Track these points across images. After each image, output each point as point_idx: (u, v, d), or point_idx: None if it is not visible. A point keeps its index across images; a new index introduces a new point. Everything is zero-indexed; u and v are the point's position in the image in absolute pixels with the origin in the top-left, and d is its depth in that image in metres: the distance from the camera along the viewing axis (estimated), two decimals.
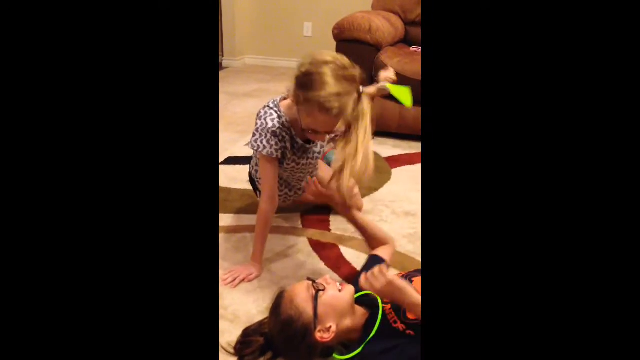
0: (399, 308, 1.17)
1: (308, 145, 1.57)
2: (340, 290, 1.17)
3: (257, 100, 3.27)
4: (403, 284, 1.10)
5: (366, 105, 1.33)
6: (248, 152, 1.52)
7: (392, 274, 1.16)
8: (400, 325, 1.14)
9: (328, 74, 1.25)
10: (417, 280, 1.23)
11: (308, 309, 1.13)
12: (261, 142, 1.46)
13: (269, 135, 1.45)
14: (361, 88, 1.31)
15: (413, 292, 1.09)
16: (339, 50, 2.64)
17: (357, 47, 2.59)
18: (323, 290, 1.15)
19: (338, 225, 1.80)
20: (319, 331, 1.12)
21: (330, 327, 1.13)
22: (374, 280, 1.11)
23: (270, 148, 1.46)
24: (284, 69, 4.16)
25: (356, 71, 1.29)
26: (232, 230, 1.76)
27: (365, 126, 1.33)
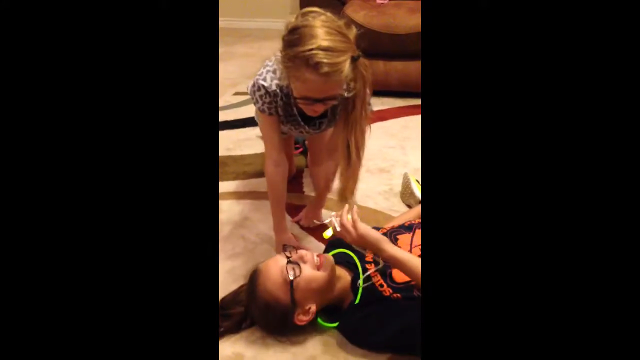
0: (384, 271, 1.12)
1: (303, 122, 1.35)
2: (318, 267, 1.10)
3: (226, 63, 3.13)
4: (375, 236, 1.06)
5: (366, 71, 1.16)
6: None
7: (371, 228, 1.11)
8: (386, 289, 1.09)
9: (317, 25, 1.06)
10: (402, 238, 1.19)
11: (284, 295, 1.06)
12: (255, 94, 1.29)
13: (262, 90, 1.27)
14: (358, 52, 1.11)
15: (388, 245, 1.05)
16: (302, 3, 2.53)
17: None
18: (299, 275, 1.07)
19: (312, 186, 1.74)
20: (299, 314, 1.08)
21: (310, 308, 1.08)
22: (345, 233, 1.08)
23: (263, 105, 1.29)
24: (249, 30, 4.00)
25: (351, 32, 1.11)
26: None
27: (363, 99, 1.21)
